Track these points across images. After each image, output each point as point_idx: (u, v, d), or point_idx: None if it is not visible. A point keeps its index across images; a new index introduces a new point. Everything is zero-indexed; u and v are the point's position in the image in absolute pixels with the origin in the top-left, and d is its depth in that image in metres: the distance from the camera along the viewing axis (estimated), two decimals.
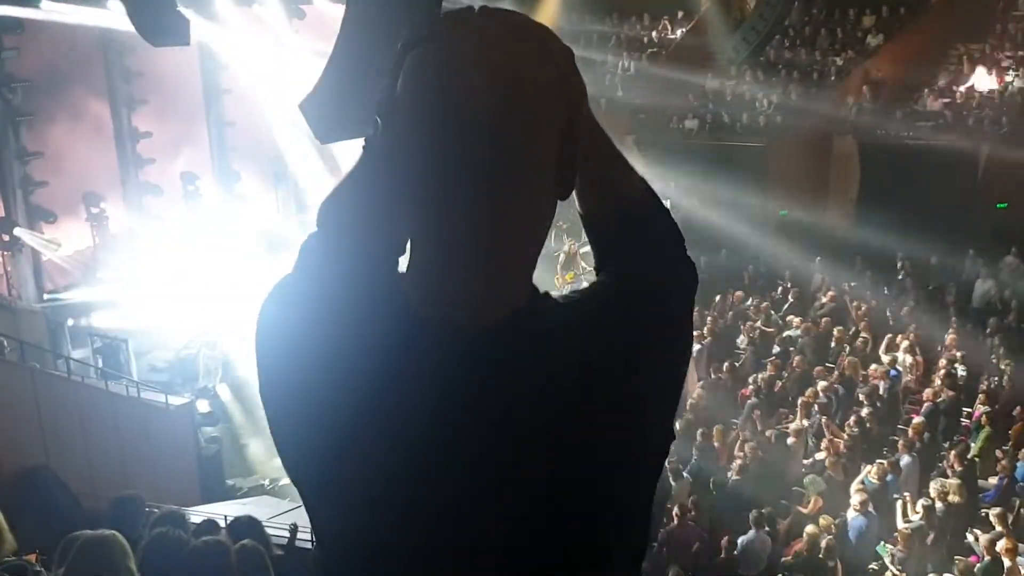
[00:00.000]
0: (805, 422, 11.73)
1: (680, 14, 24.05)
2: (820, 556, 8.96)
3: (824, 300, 16.07)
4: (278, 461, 1.18)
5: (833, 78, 21.25)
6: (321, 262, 1.15)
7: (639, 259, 1.18)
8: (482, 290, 1.05)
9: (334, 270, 1.13)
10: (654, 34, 24.50)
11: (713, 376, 13.38)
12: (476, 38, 1.03)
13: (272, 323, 1.13)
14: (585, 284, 1.22)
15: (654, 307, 1.14)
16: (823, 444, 11.32)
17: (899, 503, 9.95)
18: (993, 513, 9.39)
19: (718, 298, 16.73)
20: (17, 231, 16.06)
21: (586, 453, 1.06)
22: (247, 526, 5.54)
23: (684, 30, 23.94)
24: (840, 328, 14.77)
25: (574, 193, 1.18)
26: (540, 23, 1.09)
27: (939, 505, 9.68)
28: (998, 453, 11.14)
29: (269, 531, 8.91)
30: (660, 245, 1.22)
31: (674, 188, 19.73)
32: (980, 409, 11.91)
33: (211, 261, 18.87)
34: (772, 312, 15.97)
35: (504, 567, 1.05)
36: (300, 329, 1.10)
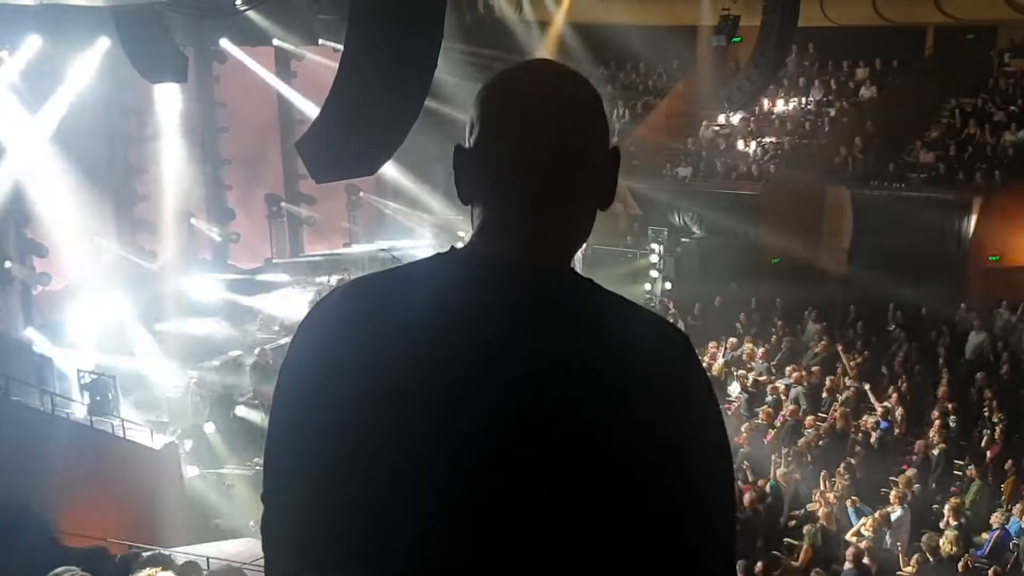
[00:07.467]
0: (797, 473, 11.65)
1: (675, 63, 24.29)
2: None
3: (816, 350, 16.06)
4: None
5: (826, 129, 21.44)
6: None
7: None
8: (513, 236, 1.26)
9: None
10: (649, 83, 24.75)
11: None
12: (541, 84, 1.32)
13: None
14: None
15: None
16: (815, 495, 11.24)
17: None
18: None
19: (711, 344, 16.69)
20: (7, 264, 15.96)
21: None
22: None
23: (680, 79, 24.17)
24: (832, 378, 14.74)
25: None
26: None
27: (931, 559, 9.59)
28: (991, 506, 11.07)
29: (253, 574, 8.79)
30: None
31: (667, 235, 19.82)
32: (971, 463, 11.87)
33: (204, 297, 18.81)
34: (765, 360, 15.93)
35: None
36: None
